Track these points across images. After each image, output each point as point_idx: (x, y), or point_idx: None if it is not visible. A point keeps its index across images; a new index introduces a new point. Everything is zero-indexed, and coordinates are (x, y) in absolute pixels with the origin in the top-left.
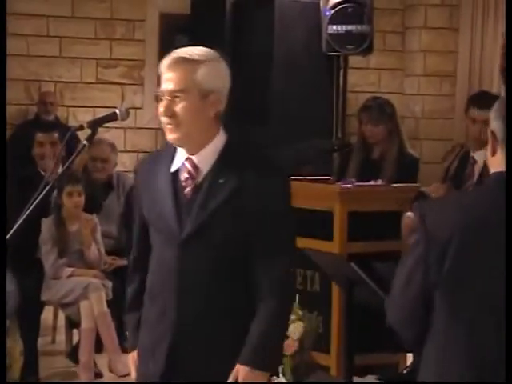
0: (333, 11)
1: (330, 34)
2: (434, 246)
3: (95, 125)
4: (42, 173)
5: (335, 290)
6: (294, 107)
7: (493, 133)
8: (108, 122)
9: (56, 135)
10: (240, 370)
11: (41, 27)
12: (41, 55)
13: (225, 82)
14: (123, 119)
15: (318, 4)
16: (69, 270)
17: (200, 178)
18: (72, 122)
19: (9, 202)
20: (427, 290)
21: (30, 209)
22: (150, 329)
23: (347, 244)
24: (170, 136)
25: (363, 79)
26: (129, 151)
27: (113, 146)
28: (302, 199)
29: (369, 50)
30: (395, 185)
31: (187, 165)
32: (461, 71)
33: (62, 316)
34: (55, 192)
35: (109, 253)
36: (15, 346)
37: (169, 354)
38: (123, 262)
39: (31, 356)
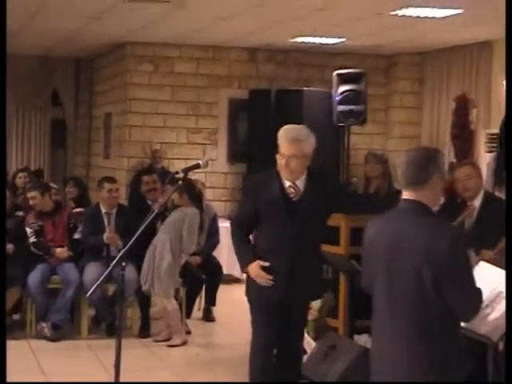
0: (340, 96)
1: (339, 111)
2: None
3: (186, 171)
4: (150, 203)
5: (342, 277)
6: (315, 159)
7: None
8: (195, 169)
9: (155, 176)
10: None
11: (152, 107)
12: (152, 126)
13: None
14: (204, 167)
15: (331, 92)
16: None
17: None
18: (172, 169)
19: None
20: None
21: (142, 228)
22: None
23: (350, 247)
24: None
25: (361, 140)
26: (207, 187)
27: (203, 184)
28: None
29: (364, 121)
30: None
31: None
32: (423, 135)
33: None
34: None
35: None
36: (135, 314)
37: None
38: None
39: (145, 320)
